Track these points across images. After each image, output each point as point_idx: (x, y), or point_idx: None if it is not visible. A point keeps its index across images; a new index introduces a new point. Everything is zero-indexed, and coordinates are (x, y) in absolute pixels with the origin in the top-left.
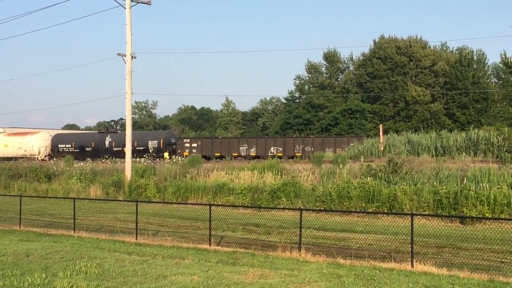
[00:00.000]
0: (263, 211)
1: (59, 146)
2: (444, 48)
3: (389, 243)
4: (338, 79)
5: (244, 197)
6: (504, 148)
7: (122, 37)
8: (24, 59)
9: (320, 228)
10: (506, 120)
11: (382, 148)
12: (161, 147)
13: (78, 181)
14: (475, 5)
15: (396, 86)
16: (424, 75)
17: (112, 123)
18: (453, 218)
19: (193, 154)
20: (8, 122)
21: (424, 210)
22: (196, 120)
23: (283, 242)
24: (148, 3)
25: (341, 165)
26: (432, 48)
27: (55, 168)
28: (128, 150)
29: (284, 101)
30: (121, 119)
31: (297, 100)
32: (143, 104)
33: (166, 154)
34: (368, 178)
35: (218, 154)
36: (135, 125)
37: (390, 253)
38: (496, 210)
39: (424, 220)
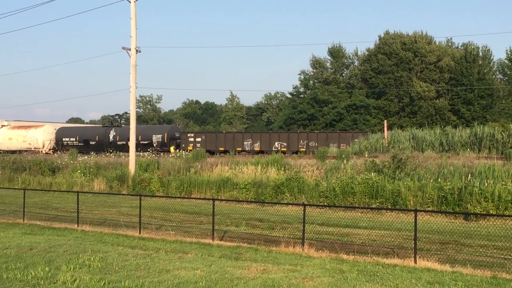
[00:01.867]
0: (266, 206)
1: (63, 139)
2: (450, 44)
3: (393, 239)
4: (343, 75)
5: (248, 192)
6: (509, 145)
7: (127, 31)
8: (29, 52)
9: (324, 223)
10: (511, 117)
11: (386, 144)
12: (165, 141)
13: (82, 174)
14: (481, 1)
15: (401, 82)
16: (429, 70)
17: (117, 117)
18: (457, 215)
19: (197, 149)
20: (12, 115)
21: (428, 206)
22: (200, 115)
23: (286, 237)
24: None
25: (345, 161)
26: (437, 43)
27: (59, 161)
28: (132, 144)
29: (288, 96)
30: (126, 113)
31: (302, 95)
32: (147, 98)
33: (172, 148)
34: (372, 173)
35: (222, 149)
36: (140, 119)
37: (393, 249)
38: (500, 206)
39: (428, 216)
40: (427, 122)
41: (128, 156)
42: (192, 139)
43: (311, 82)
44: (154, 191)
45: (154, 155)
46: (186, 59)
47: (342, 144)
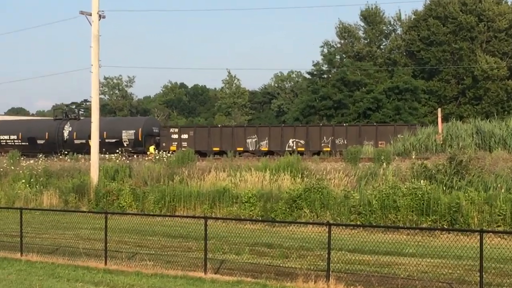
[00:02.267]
0: (278, 227)
1: (1, 137)
2: None
3: (450, 271)
4: (381, 47)
5: (253, 208)
6: None
7: None
8: None
9: (356, 249)
10: None
11: (441, 141)
12: (140, 139)
13: (27, 185)
14: None
15: (460, 56)
16: (499, 40)
17: (73, 106)
18: None
19: (183, 149)
20: None
21: (499, 226)
22: (187, 103)
23: (305, 269)
24: None
25: (384, 164)
26: (510, 3)
27: None
28: (94, 143)
29: (307, 76)
30: (86, 101)
31: (325, 76)
32: (115, 81)
33: (151, 148)
34: (422, 181)
35: (218, 149)
36: (105, 109)
37: (451, 284)
38: None
39: (498, 239)
40: (497, 110)
41: (89, 159)
42: (176, 136)
43: (338, 57)
44: (125, 206)
45: (124, 158)
46: (167, 28)
47: (380, 142)
